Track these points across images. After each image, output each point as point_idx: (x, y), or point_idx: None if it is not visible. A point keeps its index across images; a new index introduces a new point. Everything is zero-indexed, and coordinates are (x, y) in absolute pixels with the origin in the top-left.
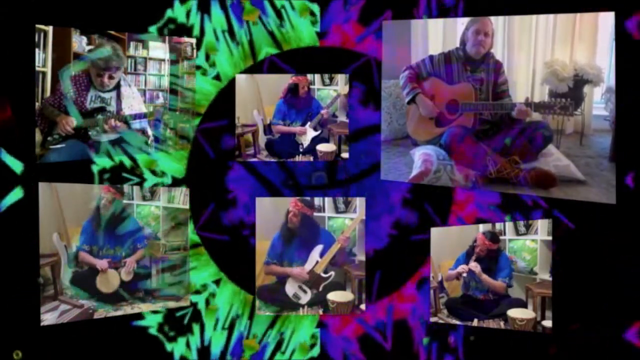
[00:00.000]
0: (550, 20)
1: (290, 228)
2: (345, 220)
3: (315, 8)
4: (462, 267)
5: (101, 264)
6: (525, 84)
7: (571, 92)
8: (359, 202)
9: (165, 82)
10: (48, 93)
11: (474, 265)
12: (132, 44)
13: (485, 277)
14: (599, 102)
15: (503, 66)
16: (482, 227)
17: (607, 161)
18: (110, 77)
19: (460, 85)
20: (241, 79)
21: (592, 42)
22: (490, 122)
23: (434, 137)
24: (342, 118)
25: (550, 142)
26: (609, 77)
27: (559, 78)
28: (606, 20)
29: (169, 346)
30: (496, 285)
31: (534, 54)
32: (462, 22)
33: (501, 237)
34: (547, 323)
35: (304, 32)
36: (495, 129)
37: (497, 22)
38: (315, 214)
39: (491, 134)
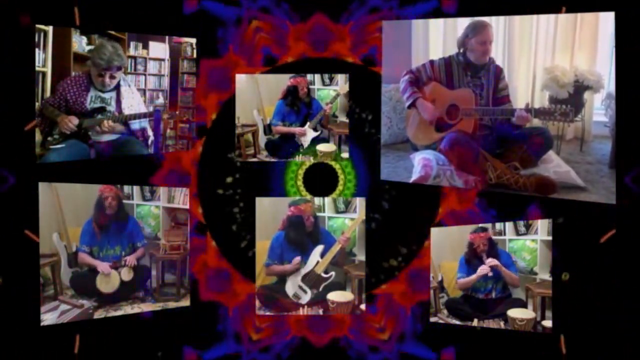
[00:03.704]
0: (551, 26)
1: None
2: (345, 220)
3: None
4: (483, 269)
5: (103, 267)
6: (526, 90)
7: (571, 98)
8: (359, 203)
9: (166, 82)
10: (48, 93)
11: (491, 261)
12: (132, 43)
13: (504, 270)
14: (599, 109)
15: (503, 71)
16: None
17: (606, 167)
18: (112, 77)
19: (461, 90)
20: (241, 79)
21: (593, 48)
22: (491, 127)
23: (433, 142)
24: (342, 118)
25: (550, 148)
26: (609, 83)
27: (560, 84)
28: (607, 26)
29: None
30: (514, 278)
31: (534, 60)
32: (461, 26)
33: (500, 237)
34: (547, 323)
35: None
36: (495, 134)
37: (498, 27)
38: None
39: (491, 140)
